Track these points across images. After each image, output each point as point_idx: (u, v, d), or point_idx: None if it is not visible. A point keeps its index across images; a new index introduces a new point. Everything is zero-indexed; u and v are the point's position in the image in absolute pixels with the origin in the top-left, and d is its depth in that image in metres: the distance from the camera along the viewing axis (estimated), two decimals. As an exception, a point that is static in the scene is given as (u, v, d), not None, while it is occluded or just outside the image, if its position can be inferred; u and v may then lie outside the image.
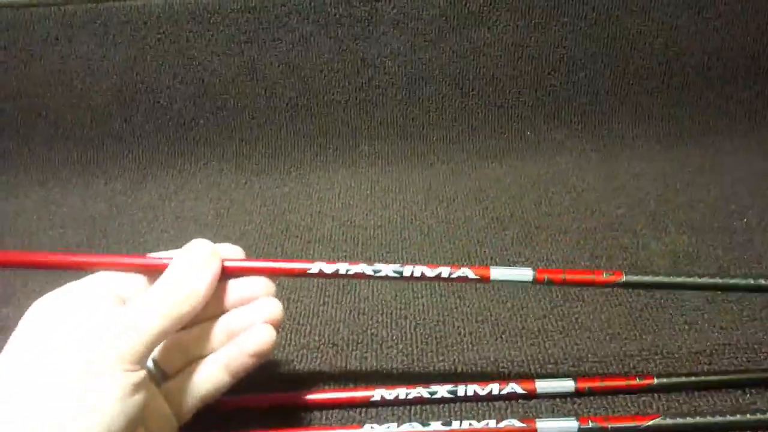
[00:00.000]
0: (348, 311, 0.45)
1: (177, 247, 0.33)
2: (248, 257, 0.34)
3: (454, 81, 0.67)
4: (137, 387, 0.27)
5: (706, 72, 0.67)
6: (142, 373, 0.28)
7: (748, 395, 0.37)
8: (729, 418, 0.33)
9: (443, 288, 0.47)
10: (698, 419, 0.33)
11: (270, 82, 0.66)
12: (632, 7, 0.64)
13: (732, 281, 0.33)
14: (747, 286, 0.33)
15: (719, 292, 0.45)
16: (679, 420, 0.33)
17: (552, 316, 0.44)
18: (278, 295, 0.46)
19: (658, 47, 0.66)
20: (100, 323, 0.28)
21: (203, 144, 0.68)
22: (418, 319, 0.44)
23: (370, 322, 0.44)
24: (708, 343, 0.40)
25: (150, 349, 0.28)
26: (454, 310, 0.45)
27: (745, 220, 0.55)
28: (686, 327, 0.42)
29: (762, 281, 0.32)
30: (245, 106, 0.67)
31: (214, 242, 0.34)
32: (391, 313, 0.45)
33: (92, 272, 0.32)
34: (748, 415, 0.33)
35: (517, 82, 0.67)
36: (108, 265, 0.32)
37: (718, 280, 0.33)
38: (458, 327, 0.43)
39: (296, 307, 0.46)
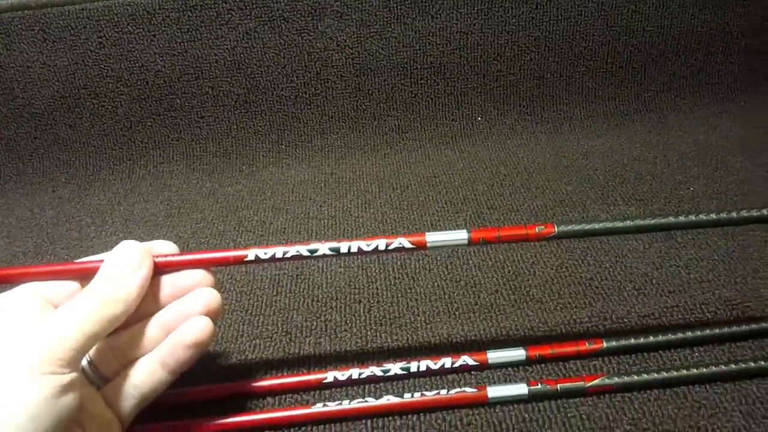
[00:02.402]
0: (302, 299, 0.45)
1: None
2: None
3: (402, 71, 0.67)
4: (66, 389, 0.27)
5: (647, 50, 0.68)
6: (72, 375, 0.27)
7: (696, 353, 0.37)
8: (673, 373, 0.34)
9: (397, 270, 0.47)
10: (644, 376, 0.33)
11: (216, 81, 0.65)
12: (571, -11, 0.65)
13: (663, 220, 0.33)
14: (677, 223, 0.33)
15: (666, 257, 0.46)
16: (625, 378, 0.33)
17: (504, 291, 0.44)
18: (230, 287, 0.46)
19: (599, 28, 0.67)
20: (24, 329, 0.28)
21: (151, 146, 0.67)
22: (372, 302, 0.44)
23: (324, 309, 0.44)
24: (657, 307, 0.41)
25: (81, 352, 0.28)
26: (408, 291, 0.45)
27: (692, 189, 0.56)
28: (635, 293, 0.43)
29: (692, 217, 0.33)
30: (192, 105, 0.66)
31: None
32: (345, 298, 0.45)
33: (22, 283, 0.31)
34: (684, 371, 0.34)
35: (465, 69, 0.67)
36: (36, 275, 0.32)
37: (649, 221, 0.33)
38: (412, 307, 0.43)
39: (248, 299, 0.45)
